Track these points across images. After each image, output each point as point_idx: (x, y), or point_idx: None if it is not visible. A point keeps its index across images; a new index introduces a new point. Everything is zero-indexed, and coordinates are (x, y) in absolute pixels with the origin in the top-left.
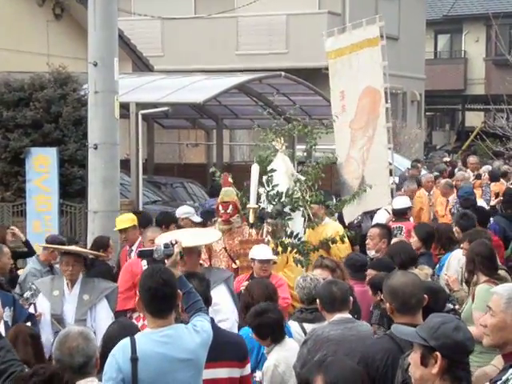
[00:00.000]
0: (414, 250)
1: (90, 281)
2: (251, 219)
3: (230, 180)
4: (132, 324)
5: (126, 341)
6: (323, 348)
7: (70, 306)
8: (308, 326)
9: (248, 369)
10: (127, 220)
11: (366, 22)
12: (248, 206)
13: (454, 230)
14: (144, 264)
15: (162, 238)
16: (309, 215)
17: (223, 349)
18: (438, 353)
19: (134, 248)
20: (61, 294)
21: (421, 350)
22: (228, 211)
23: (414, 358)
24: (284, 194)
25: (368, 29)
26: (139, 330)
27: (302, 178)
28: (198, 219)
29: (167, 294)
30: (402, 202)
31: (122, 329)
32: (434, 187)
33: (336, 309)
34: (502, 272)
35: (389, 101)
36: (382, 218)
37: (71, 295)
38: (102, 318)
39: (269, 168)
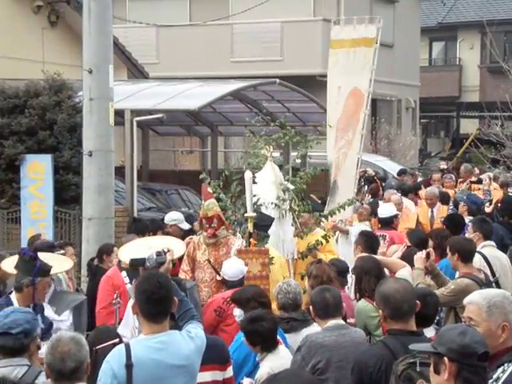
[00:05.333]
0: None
1: (59, 294)
2: (250, 228)
3: (210, 190)
4: (109, 328)
5: (121, 347)
6: (317, 354)
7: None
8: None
9: (230, 371)
10: None
11: (368, 19)
12: (246, 215)
13: (472, 235)
14: (124, 275)
15: (121, 252)
16: (296, 224)
17: (205, 352)
18: (445, 358)
19: None
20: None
21: (433, 358)
22: (213, 225)
23: (430, 368)
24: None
25: (368, 27)
26: (118, 335)
27: (291, 187)
28: (186, 226)
29: (163, 297)
30: (387, 210)
31: (100, 334)
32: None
33: (330, 315)
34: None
35: (369, 107)
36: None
37: None
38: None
39: (256, 176)
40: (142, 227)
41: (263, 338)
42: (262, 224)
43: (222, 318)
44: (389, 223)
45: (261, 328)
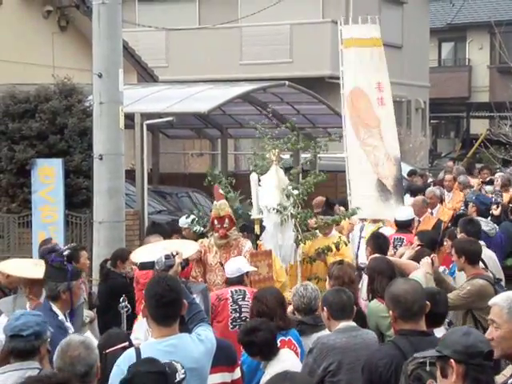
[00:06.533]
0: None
1: None
2: (257, 230)
3: (221, 191)
4: (119, 332)
5: (131, 351)
6: (329, 356)
7: None
8: None
9: (238, 373)
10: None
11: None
12: (252, 217)
13: (459, 236)
14: None
15: (135, 254)
16: (297, 230)
17: (215, 354)
18: (451, 360)
19: None
20: None
21: (439, 362)
22: (224, 225)
23: (437, 373)
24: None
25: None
26: (128, 339)
27: (295, 193)
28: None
29: (173, 300)
30: (406, 213)
31: (110, 337)
32: None
33: (345, 316)
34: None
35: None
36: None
37: None
38: None
39: (261, 179)
40: (161, 232)
41: (260, 349)
42: (251, 225)
43: (214, 315)
44: (406, 226)
45: (256, 339)
